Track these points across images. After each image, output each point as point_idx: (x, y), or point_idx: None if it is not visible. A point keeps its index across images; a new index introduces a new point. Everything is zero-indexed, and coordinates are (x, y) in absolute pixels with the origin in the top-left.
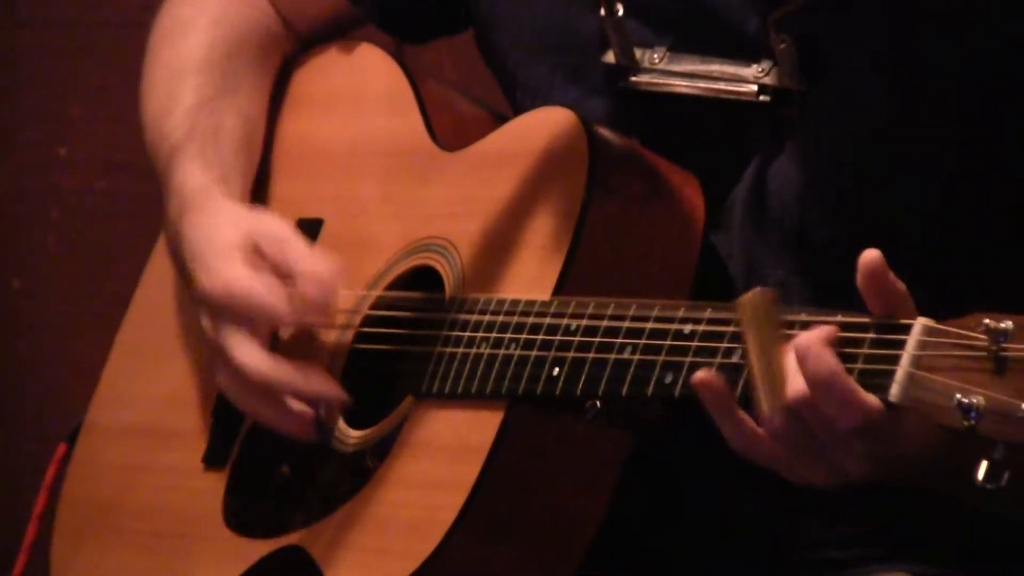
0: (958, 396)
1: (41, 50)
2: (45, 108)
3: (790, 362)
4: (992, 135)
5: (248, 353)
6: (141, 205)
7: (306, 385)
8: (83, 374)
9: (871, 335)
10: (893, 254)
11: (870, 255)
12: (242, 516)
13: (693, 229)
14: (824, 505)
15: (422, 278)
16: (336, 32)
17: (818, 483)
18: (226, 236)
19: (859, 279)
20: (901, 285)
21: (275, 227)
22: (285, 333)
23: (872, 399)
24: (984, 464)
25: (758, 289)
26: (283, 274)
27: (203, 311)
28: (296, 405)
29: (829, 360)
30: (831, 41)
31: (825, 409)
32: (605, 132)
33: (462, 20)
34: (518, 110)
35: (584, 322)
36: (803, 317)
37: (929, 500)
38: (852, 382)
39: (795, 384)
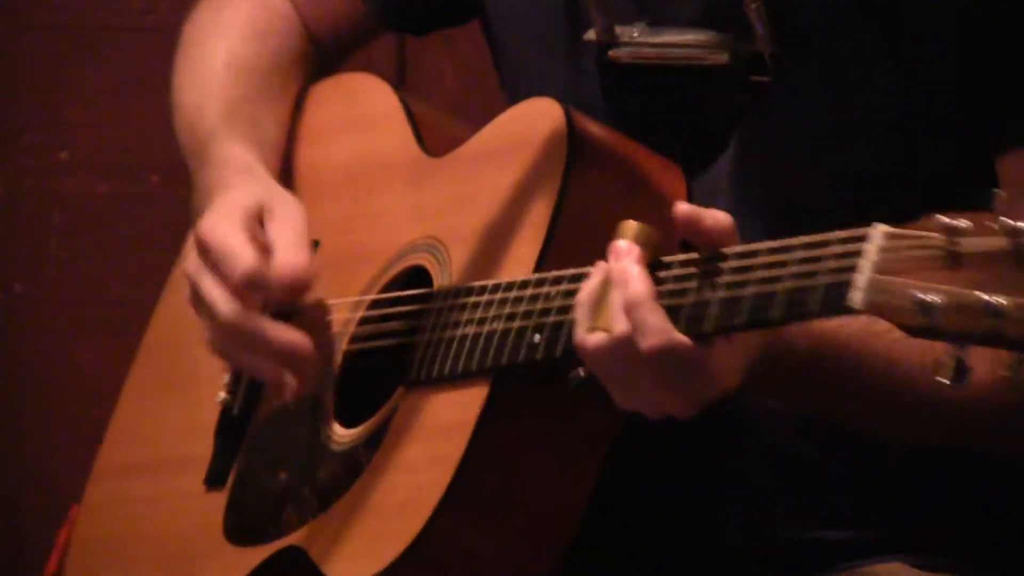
0: (916, 294)
1: (42, 54)
2: (46, 112)
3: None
4: (967, 97)
5: (215, 292)
6: (143, 208)
7: (273, 331)
8: (85, 377)
9: (834, 248)
10: (875, 216)
11: (677, 209)
12: (241, 528)
13: None
14: (818, 486)
15: (417, 278)
16: (350, 41)
17: (647, 415)
18: (240, 196)
19: (678, 229)
20: (721, 221)
21: (287, 205)
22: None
23: (678, 335)
24: (951, 363)
25: (643, 224)
26: (269, 248)
27: (193, 251)
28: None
29: (637, 285)
30: (804, 5)
31: (635, 337)
32: (586, 120)
33: (466, 10)
34: (517, 99)
35: (563, 287)
36: (765, 247)
37: (926, 486)
38: (658, 309)
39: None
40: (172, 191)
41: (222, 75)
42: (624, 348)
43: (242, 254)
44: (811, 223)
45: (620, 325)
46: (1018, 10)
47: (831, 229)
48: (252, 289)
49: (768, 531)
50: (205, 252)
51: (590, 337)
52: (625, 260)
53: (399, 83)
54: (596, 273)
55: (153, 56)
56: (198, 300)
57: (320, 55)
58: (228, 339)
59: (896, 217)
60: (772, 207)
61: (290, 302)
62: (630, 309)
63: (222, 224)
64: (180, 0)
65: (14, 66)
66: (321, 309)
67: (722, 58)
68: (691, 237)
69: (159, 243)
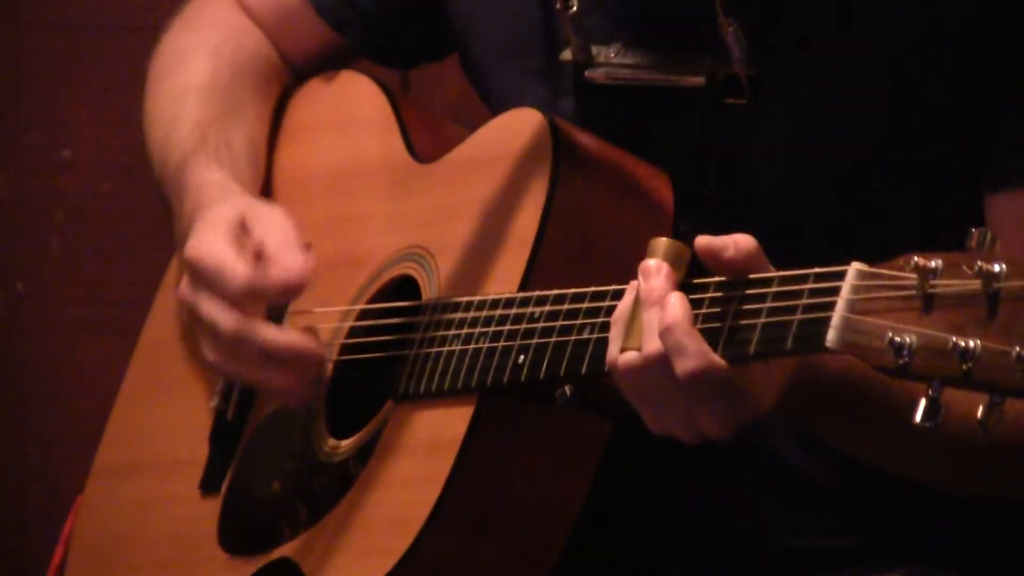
0: (890, 335)
1: (45, 53)
2: (49, 111)
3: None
4: (952, 128)
5: (214, 309)
6: (145, 208)
7: (279, 336)
8: (87, 376)
9: (809, 285)
10: (854, 238)
11: (697, 244)
12: (235, 537)
13: (662, 223)
14: (817, 495)
15: (405, 288)
16: (329, 64)
17: (681, 438)
18: (221, 211)
19: (704, 261)
20: (743, 247)
21: (269, 212)
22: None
23: (716, 358)
24: (923, 402)
25: (673, 241)
26: (260, 255)
27: (185, 276)
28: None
29: (673, 307)
30: (780, 25)
31: (671, 359)
32: (571, 129)
33: (445, 45)
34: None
35: (547, 308)
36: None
37: (918, 497)
38: (695, 332)
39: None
40: None
41: (184, 102)
42: (656, 368)
43: (235, 266)
44: (791, 244)
45: (651, 345)
46: (1013, 39)
47: (810, 251)
48: (252, 298)
49: (767, 540)
50: (196, 273)
51: (621, 356)
52: (655, 279)
53: (403, 90)
54: (629, 291)
55: None
56: (199, 322)
57: (293, 73)
58: (233, 353)
59: (875, 240)
60: (752, 230)
61: (285, 304)
62: (665, 332)
63: (207, 242)
64: None
65: (16, 64)
66: (310, 318)
67: (698, 80)
68: (716, 268)
69: (161, 242)
